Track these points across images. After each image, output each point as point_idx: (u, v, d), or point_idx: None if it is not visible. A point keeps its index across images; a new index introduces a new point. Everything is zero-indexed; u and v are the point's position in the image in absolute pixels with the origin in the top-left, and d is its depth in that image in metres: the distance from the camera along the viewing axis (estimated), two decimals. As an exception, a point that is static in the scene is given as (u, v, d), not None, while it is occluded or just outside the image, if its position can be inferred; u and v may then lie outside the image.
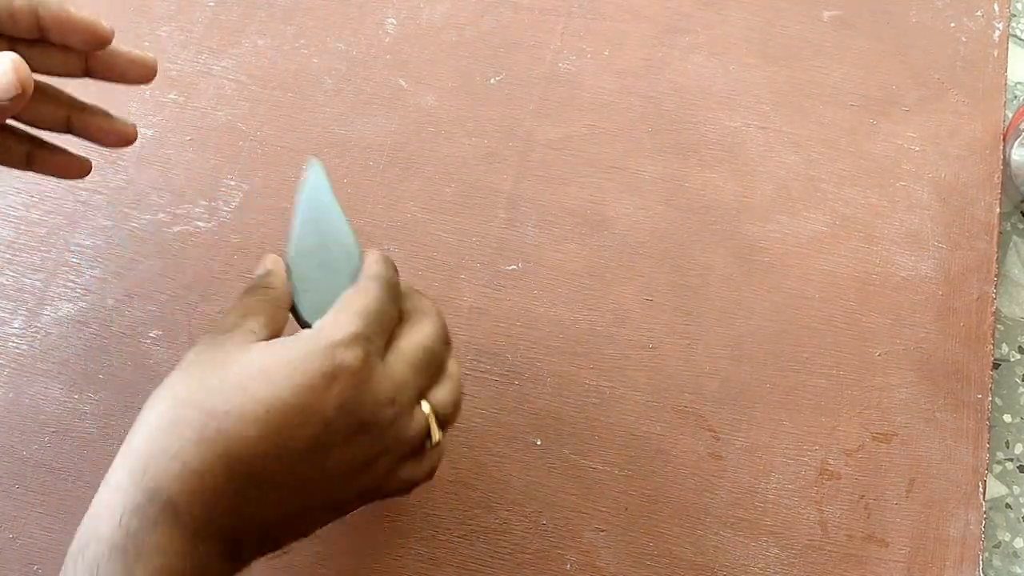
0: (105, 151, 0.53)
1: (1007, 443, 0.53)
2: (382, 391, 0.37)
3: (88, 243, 0.52)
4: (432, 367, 0.39)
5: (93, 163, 0.53)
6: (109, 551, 0.32)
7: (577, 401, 0.49)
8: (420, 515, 0.47)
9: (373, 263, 0.40)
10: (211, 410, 0.34)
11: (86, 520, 0.33)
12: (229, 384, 0.34)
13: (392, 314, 0.39)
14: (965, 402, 0.50)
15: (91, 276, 0.51)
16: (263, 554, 0.36)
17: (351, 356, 0.35)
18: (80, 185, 0.53)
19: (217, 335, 0.37)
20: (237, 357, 0.36)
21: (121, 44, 0.42)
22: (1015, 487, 0.52)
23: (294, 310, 0.41)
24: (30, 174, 0.53)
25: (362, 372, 0.36)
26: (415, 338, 0.39)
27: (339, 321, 0.37)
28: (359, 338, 0.36)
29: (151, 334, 0.50)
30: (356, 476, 0.37)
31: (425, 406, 0.39)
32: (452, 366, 0.40)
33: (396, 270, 0.40)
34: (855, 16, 0.59)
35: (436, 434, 0.39)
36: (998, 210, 0.54)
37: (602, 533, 0.47)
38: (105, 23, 0.41)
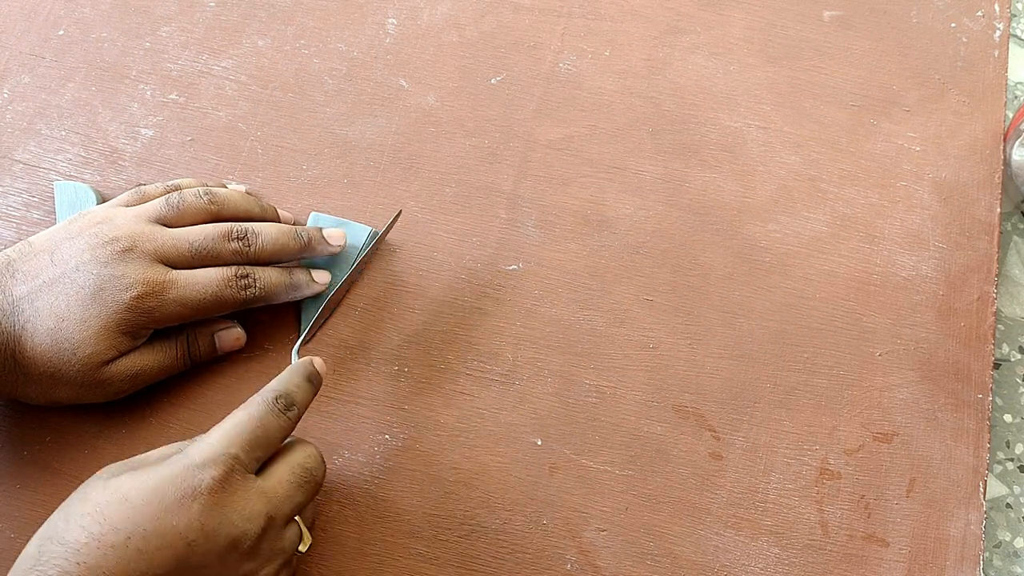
0: (106, 151, 0.54)
1: (1008, 443, 0.53)
2: (250, 507, 0.38)
3: (89, 243, 0.52)
4: (311, 485, 0.41)
5: (94, 162, 0.53)
6: None
7: (577, 401, 0.49)
8: (421, 515, 0.47)
9: (284, 375, 0.42)
10: (72, 542, 0.35)
11: None
12: (88, 515, 0.36)
13: (275, 426, 0.40)
14: (965, 402, 0.50)
15: (92, 276, 0.51)
16: None
17: (208, 477, 0.37)
18: (81, 185, 0.53)
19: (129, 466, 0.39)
20: (104, 487, 0.37)
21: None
22: (1015, 487, 0.52)
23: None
24: (30, 173, 0.53)
25: (221, 492, 0.37)
26: (296, 457, 0.41)
27: (206, 441, 0.39)
28: (220, 458, 0.38)
29: (152, 334, 0.50)
30: None
31: (297, 518, 0.41)
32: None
33: (314, 379, 0.43)
34: (855, 16, 0.59)
35: (308, 541, 0.42)
36: (998, 210, 0.54)
37: (602, 533, 0.47)
38: None
